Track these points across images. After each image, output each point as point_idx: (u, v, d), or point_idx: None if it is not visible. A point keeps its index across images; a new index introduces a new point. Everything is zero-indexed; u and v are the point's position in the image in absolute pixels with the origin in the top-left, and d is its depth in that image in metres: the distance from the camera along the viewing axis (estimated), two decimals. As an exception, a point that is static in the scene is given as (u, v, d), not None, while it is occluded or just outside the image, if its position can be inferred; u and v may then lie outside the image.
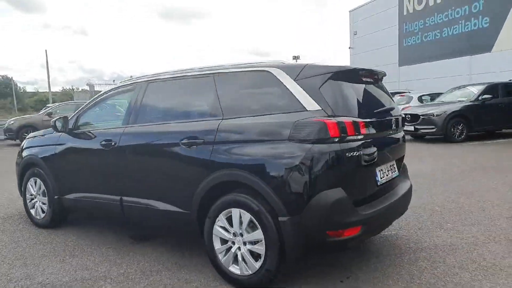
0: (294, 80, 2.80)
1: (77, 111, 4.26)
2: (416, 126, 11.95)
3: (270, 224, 2.68)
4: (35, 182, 4.51)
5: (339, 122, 2.61)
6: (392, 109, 3.27)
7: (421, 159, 8.58)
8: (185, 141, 3.13)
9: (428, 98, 15.48)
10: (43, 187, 4.41)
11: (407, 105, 14.41)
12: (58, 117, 4.16)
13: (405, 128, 12.32)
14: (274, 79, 2.88)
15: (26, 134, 9.65)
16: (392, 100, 3.54)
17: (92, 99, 4.28)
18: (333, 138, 2.59)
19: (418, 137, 12.65)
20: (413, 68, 23.62)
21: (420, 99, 15.35)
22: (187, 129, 3.18)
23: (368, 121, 2.84)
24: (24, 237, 4.26)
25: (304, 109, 2.70)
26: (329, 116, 2.64)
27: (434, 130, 11.62)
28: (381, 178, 3.00)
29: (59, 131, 4.15)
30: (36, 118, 15.46)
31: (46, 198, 4.38)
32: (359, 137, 2.72)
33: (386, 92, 3.47)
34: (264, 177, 2.72)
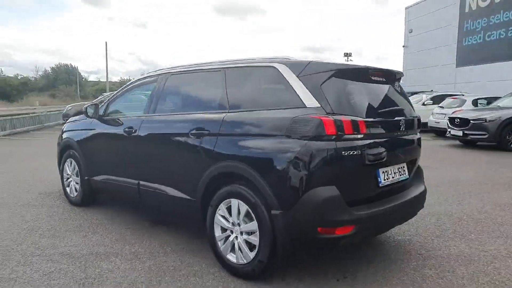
0: (297, 77, 2.82)
1: (108, 99, 4.56)
2: (466, 131, 11.27)
3: (264, 216, 2.74)
4: (71, 163, 4.89)
5: (336, 120, 2.60)
6: (401, 110, 3.16)
7: (464, 166, 8.12)
8: (194, 131, 3.26)
9: (485, 102, 14.50)
10: (76, 168, 4.78)
11: (458, 109, 13.62)
12: (89, 104, 4.49)
13: (453, 132, 11.69)
14: (279, 75, 2.91)
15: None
16: (408, 101, 3.43)
17: (121, 87, 4.56)
18: (330, 135, 2.58)
19: (468, 143, 11.91)
20: (472, 69, 22.19)
21: (475, 102, 14.44)
22: (197, 120, 3.31)
23: (371, 121, 2.79)
24: (58, 212, 4.65)
25: (303, 105, 2.71)
26: (327, 113, 2.63)
27: (485, 136, 10.89)
28: (384, 180, 2.93)
29: (89, 117, 4.47)
30: (91, 105, 16.50)
31: (79, 179, 4.74)
32: (359, 136, 2.68)
33: (401, 92, 3.36)
34: (261, 170, 2.77)
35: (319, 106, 2.67)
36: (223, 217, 3.06)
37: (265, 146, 2.80)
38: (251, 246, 2.88)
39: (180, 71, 3.79)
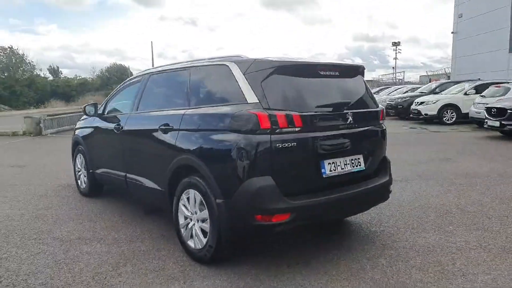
0: (243, 74, 2.99)
1: (107, 97, 4.98)
2: (503, 122, 10.62)
3: (213, 205, 2.96)
4: (79, 158, 5.40)
5: (271, 115, 2.74)
6: (348, 103, 3.22)
7: (488, 159, 7.73)
8: (162, 126, 3.54)
9: (533, 89, 13.46)
10: (84, 162, 5.27)
11: (500, 98, 12.80)
12: (88, 104, 4.93)
13: (490, 123, 11.07)
14: (229, 73, 3.10)
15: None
16: (369, 94, 3.47)
17: (117, 87, 4.96)
18: (264, 129, 2.74)
19: (509, 134, 11.16)
20: (526, 54, 20.59)
21: (521, 90, 13.45)
22: (165, 116, 3.59)
23: (309, 115, 2.90)
24: (68, 201, 5.17)
25: (245, 101, 2.89)
26: (264, 109, 2.78)
27: (524, 127, 10.21)
28: (330, 171, 3.03)
29: (88, 115, 4.92)
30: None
31: (86, 172, 5.23)
32: (296, 129, 2.81)
33: (360, 86, 3.41)
34: (208, 163, 3.00)
35: (258, 101, 2.83)
36: (185, 206, 3.32)
37: (212, 140, 3.02)
38: (204, 233, 3.12)
39: (159, 71, 4.10)
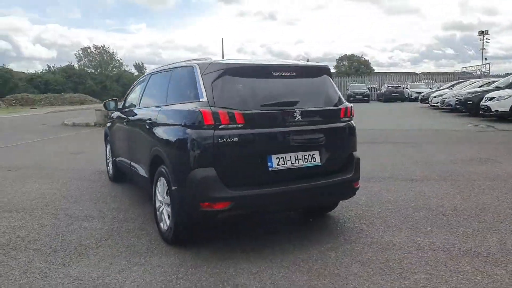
0: (201, 75, 3.30)
1: (127, 93, 5.61)
2: None
3: (171, 191, 3.33)
4: (108, 147, 6.13)
5: (214, 112, 3.03)
6: (297, 102, 3.32)
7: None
8: (147, 121, 3.99)
9: None
10: (110, 151, 5.98)
11: None
12: (109, 99, 5.59)
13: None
14: (193, 73, 3.43)
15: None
16: (332, 92, 3.56)
17: (133, 84, 5.55)
18: (209, 125, 3.03)
19: None
20: None
21: None
22: (150, 112, 4.04)
23: (252, 113, 3.11)
24: (95, 186, 5.90)
25: (199, 99, 3.20)
26: (210, 106, 3.07)
27: None
28: (277, 165, 3.21)
29: (108, 110, 5.58)
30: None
31: (111, 159, 5.93)
32: (239, 125, 3.05)
33: (323, 85, 3.53)
34: (168, 154, 3.38)
35: (207, 100, 3.12)
36: (159, 192, 3.73)
37: (173, 133, 3.39)
38: (169, 216, 3.50)
39: (156, 71, 4.58)
